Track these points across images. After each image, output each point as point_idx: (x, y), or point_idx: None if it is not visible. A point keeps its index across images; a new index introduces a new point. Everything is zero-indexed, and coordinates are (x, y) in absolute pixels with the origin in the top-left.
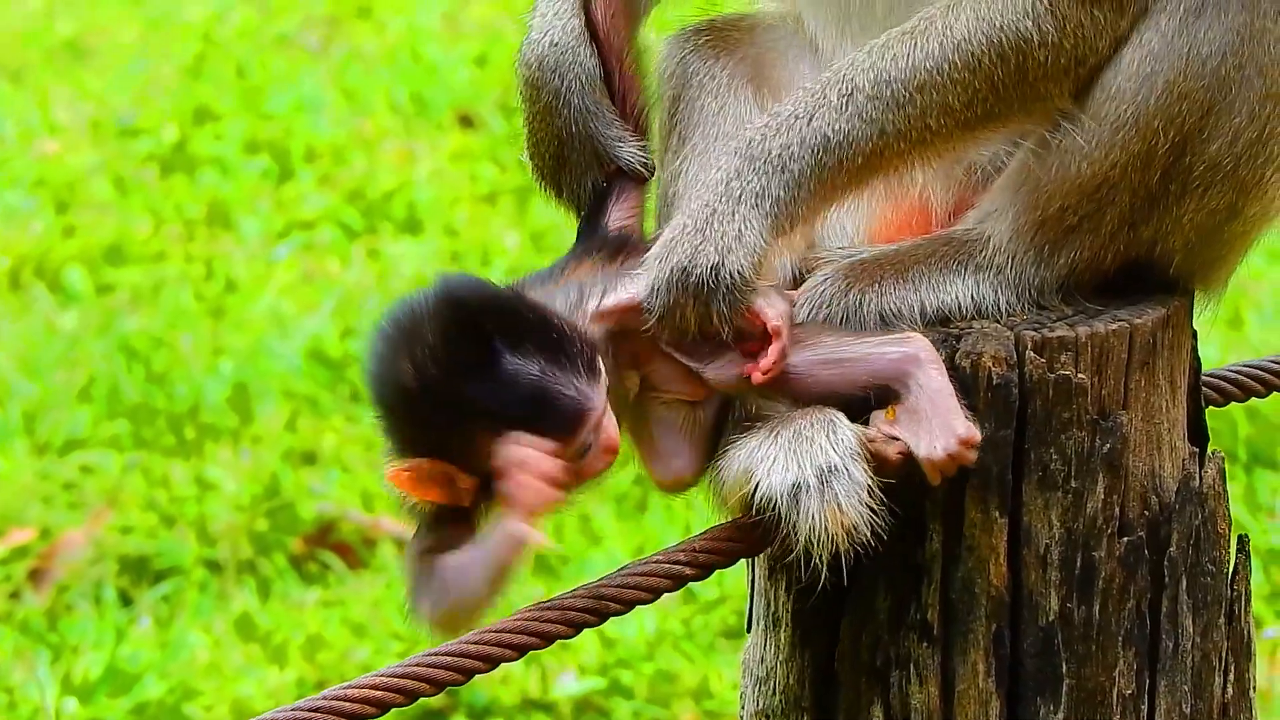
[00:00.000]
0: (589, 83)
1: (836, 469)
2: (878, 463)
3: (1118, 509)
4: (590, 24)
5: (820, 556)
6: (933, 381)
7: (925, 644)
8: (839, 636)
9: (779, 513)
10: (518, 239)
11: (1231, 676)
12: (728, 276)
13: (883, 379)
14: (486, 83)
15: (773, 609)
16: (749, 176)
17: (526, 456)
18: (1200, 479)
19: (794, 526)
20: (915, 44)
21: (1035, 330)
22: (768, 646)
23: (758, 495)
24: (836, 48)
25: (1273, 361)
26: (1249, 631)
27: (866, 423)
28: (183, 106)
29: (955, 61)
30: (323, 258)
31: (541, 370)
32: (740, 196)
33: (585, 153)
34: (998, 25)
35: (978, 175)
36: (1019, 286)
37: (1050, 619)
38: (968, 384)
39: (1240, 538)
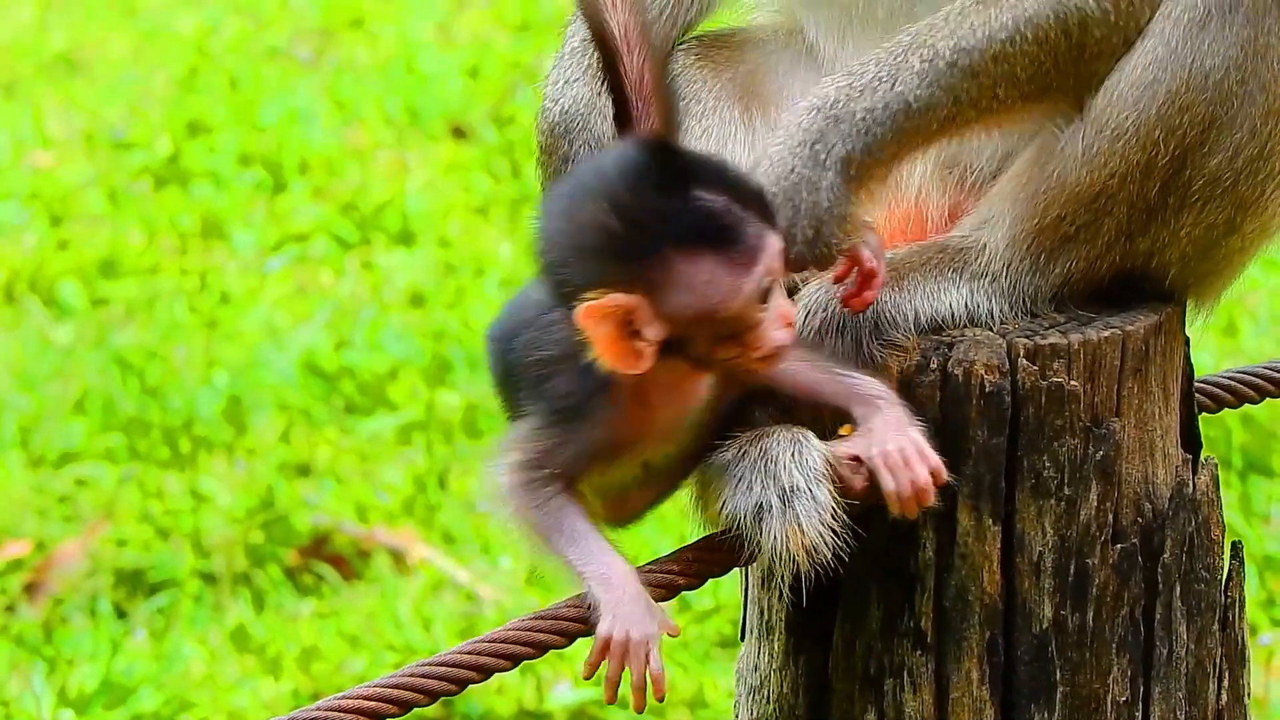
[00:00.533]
0: (598, 149)
1: (798, 490)
2: (844, 486)
3: (1111, 516)
4: (610, 52)
5: (782, 576)
6: (899, 417)
7: (919, 652)
8: (833, 645)
9: (745, 531)
10: (511, 250)
11: (1226, 683)
12: (822, 247)
13: (857, 401)
14: (479, 94)
15: (766, 618)
16: (833, 139)
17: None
18: (1193, 485)
19: (758, 545)
20: (991, 14)
21: (1028, 337)
22: (762, 655)
23: (724, 513)
24: (838, 54)
25: (1266, 368)
26: (1243, 638)
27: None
28: (175, 119)
29: (1026, 35)
30: (316, 269)
31: (728, 201)
32: (825, 161)
33: None
34: (1064, 0)
35: (973, 180)
36: (1013, 295)
37: (1044, 626)
38: (960, 392)
39: (1234, 544)
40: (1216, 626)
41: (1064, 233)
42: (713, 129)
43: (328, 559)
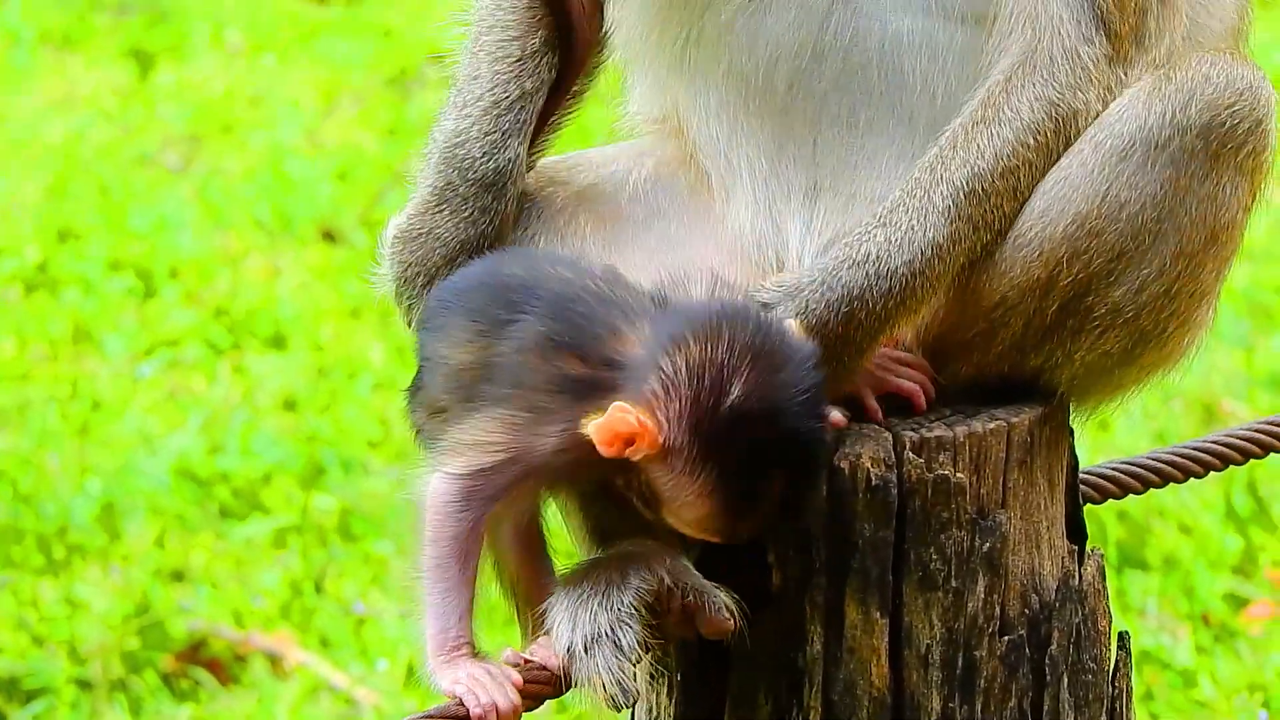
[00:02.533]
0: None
1: (601, 637)
2: (661, 618)
3: (998, 608)
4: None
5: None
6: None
7: None
8: None
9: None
10: (383, 352)
11: None
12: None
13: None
14: (349, 198)
15: (655, 714)
16: (876, 297)
17: None
18: (1080, 576)
19: (575, 680)
20: (994, 132)
21: (913, 430)
22: None
23: (556, 646)
24: (731, 139)
25: (1149, 458)
26: None
27: None
28: (45, 226)
29: (1029, 143)
30: (188, 375)
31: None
32: (865, 321)
33: None
34: (1054, 101)
35: None
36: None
37: (933, 719)
38: (846, 485)
39: (1121, 635)
40: (1104, 717)
41: (960, 339)
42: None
43: (204, 664)
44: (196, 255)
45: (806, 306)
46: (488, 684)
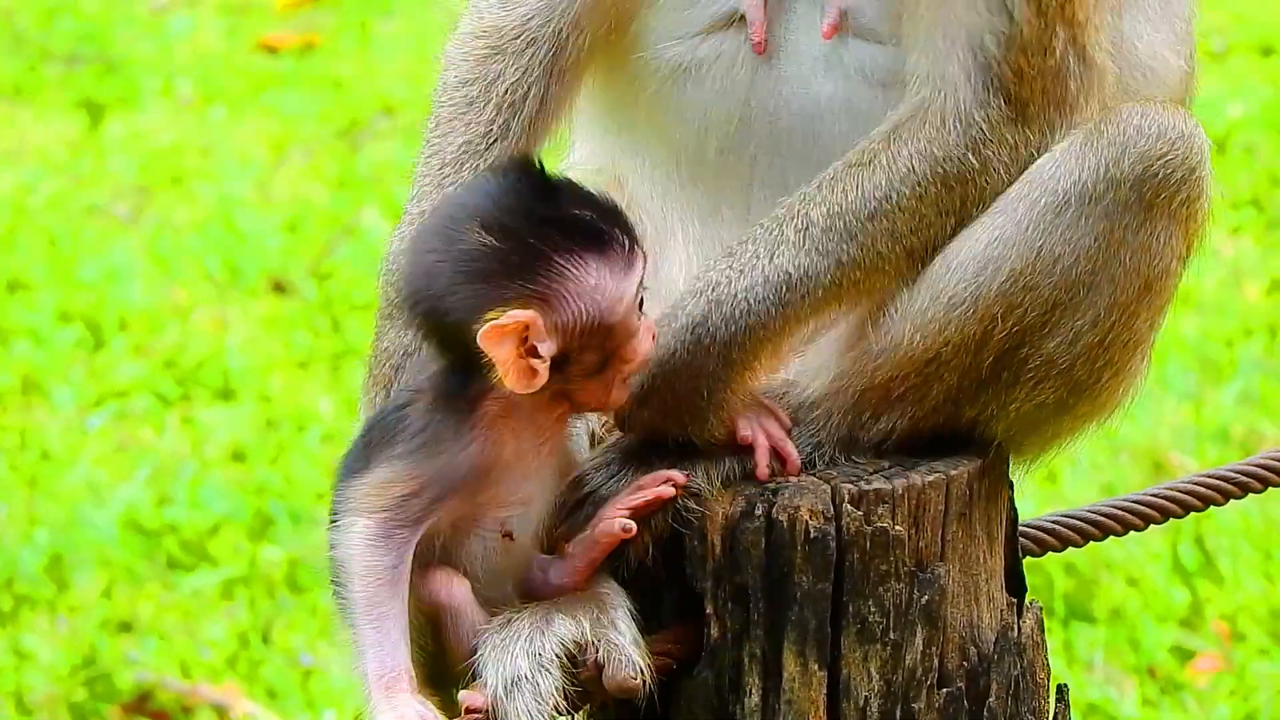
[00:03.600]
0: None
1: (521, 680)
2: (578, 669)
3: (937, 660)
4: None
5: None
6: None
7: None
8: None
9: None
10: (332, 405)
11: None
12: (703, 434)
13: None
14: (298, 250)
15: None
16: (717, 323)
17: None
18: (1018, 629)
19: None
20: (863, 175)
21: (852, 483)
22: None
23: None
24: (663, 209)
25: (1090, 510)
26: None
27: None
28: None
29: (903, 192)
30: (137, 426)
31: (597, 210)
32: (710, 347)
33: None
34: (940, 159)
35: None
36: (830, 444)
37: None
38: (785, 537)
39: (1059, 687)
40: None
41: (892, 393)
42: None
43: (151, 715)
44: (146, 307)
45: (659, 346)
46: None
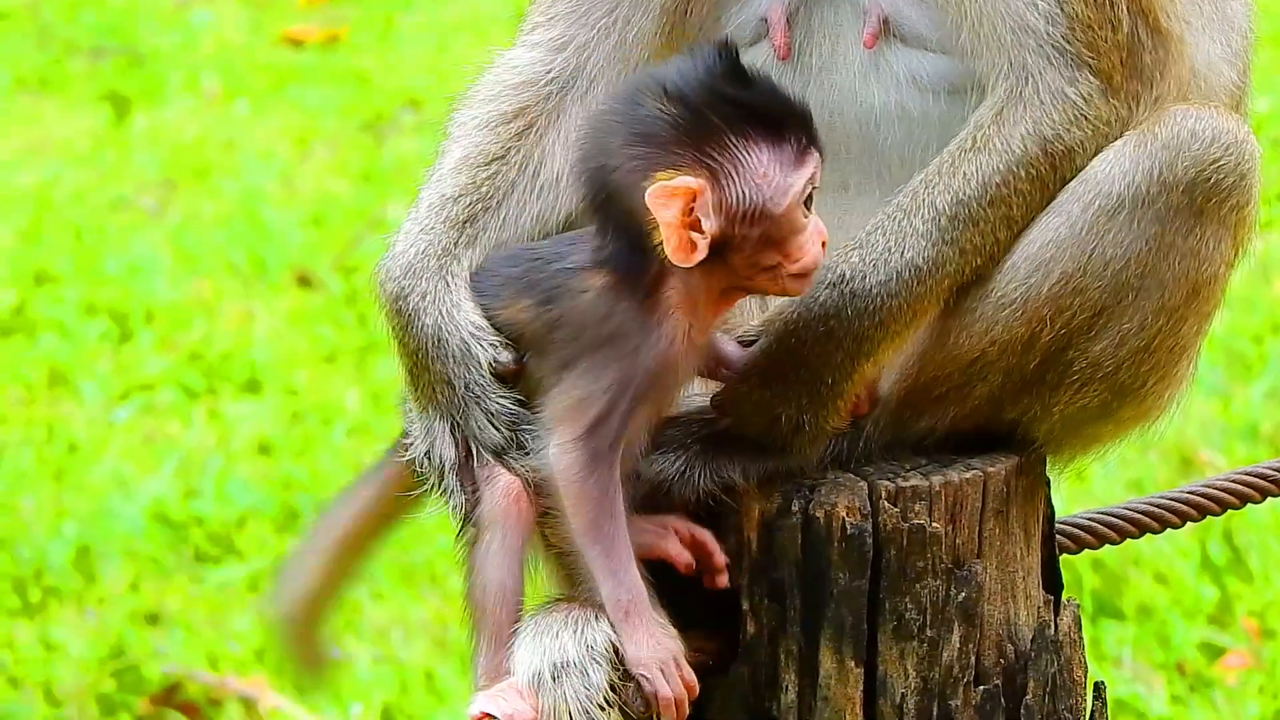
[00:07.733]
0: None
1: (569, 666)
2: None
3: (973, 657)
4: None
5: None
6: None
7: None
8: None
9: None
10: (358, 397)
11: None
12: (814, 425)
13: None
14: (323, 243)
15: None
16: (850, 317)
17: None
18: (1055, 627)
19: (539, 709)
20: (982, 161)
21: (889, 480)
22: None
23: (518, 673)
24: None
25: (1125, 508)
26: None
27: None
28: (21, 270)
29: (1020, 174)
30: (163, 419)
31: (784, 103)
32: (842, 340)
33: None
34: (1049, 138)
35: None
36: (872, 441)
37: None
38: (821, 534)
39: (1096, 685)
40: None
41: (935, 394)
42: None
43: (179, 707)
44: (171, 300)
45: (785, 328)
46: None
